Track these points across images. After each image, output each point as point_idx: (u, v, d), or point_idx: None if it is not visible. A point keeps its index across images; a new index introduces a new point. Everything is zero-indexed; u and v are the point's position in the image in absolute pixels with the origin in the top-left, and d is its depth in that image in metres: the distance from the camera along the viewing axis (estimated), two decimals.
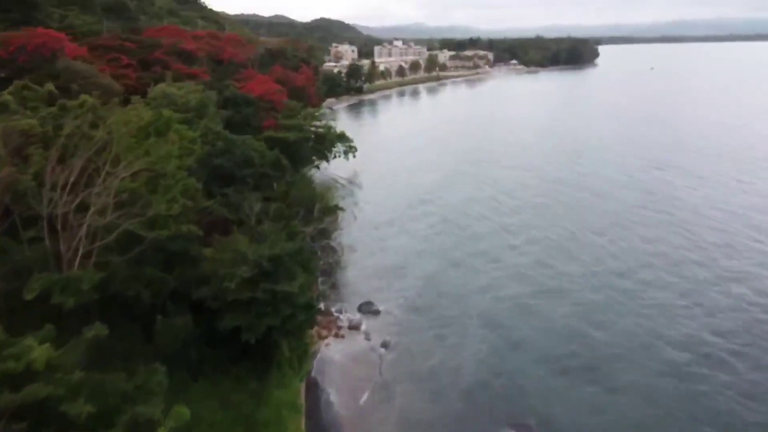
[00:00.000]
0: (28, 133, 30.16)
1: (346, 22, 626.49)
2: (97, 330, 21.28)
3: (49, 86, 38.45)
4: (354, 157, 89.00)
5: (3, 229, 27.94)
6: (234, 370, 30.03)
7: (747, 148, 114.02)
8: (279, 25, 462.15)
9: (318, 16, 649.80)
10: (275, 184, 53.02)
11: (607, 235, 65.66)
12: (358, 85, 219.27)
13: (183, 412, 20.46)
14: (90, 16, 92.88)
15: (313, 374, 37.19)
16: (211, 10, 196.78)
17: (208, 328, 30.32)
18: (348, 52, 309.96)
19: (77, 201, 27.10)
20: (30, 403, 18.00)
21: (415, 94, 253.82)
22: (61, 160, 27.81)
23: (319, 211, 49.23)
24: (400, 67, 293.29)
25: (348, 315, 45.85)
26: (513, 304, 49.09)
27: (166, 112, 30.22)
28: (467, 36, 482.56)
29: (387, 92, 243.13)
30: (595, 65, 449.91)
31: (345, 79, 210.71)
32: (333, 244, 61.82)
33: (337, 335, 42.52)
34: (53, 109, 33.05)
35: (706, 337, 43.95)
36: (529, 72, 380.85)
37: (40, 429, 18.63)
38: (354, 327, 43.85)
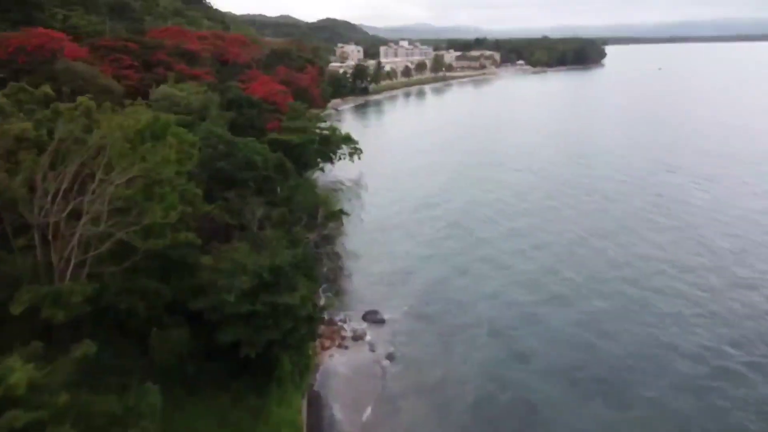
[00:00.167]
0: (21, 137, 29.12)
1: (352, 22, 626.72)
2: (85, 348, 20.09)
3: (46, 88, 37.37)
4: (359, 159, 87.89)
5: None
6: (233, 385, 28.81)
7: (759, 150, 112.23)
8: (285, 26, 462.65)
9: (324, 17, 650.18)
10: (279, 188, 51.93)
11: (616, 240, 64.26)
12: (363, 85, 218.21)
13: None
14: (94, 17, 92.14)
15: (315, 388, 35.94)
16: (216, 10, 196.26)
17: (206, 341, 29.14)
18: (354, 53, 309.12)
19: (69, 209, 26.00)
20: (12, 430, 16.89)
21: (421, 94, 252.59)
22: (53, 165, 26.70)
23: (323, 216, 48.05)
24: (406, 67, 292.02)
25: (352, 324, 44.60)
26: (520, 312, 47.83)
27: (163, 116, 28.99)
28: (473, 36, 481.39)
29: (393, 93, 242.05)
30: (602, 65, 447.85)
31: (350, 80, 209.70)
32: (337, 249, 60.56)
33: (340, 345, 41.27)
34: (49, 111, 32.04)
35: (722, 348, 42.51)
36: (535, 72, 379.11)
37: None
38: (358, 337, 42.60)
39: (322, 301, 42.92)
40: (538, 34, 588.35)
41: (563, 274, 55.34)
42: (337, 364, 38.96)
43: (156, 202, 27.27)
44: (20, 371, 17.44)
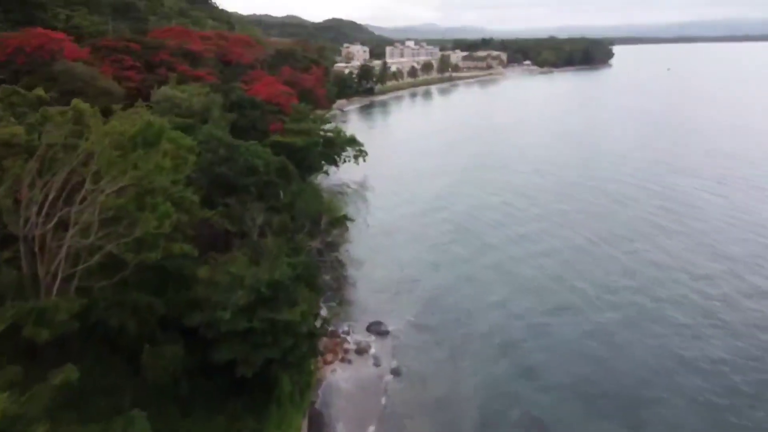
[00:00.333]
0: (10, 143, 27.77)
1: (358, 22, 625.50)
2: (67, 373, 18.70)
3: (39, 91, 36.06)
4: (365, 161, 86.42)
5: None
6: (230, 405, 27.32)
7: None
8: (291, 26, 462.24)
9: (330, 17, 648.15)
10: (281, 193, 50.50)
11: (627, 246, 62.61)
12: (369, 86, 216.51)
13: None
14: (97, 17, 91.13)
15: (317, 405, 34.35)
16: (222, 10, 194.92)
17: (201, 357, 27.70)
18: (359, 53, 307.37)
19: (57, 219, 24.67)
20: None
21: (427, 95, 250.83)
22: (41, 173, 25.36)
23: (326, 223, 46.55)
24: (412, 67, 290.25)
25: (356, 336, 43.03)
26: (529, 323, 46.27)
27: (158, 121, 27.59)
28: (480, 37, 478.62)
29: (399, 93, 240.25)
30: (609, 66, 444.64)
31: (356, 80, 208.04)
32: (341, 257, 59.05)
33: (343, 359, 39.62)
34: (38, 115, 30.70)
35: (739, 361, 40.87)
36: (542, 73, 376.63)
37: None
38: (362, 350, 40.95)
39: (324, 312, 41.39)
40: (544, 35, 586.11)
41: (573, 282, 53.74)
42: (340, 380, 37.36)
43: (148, 212, 25.83)
44: None
